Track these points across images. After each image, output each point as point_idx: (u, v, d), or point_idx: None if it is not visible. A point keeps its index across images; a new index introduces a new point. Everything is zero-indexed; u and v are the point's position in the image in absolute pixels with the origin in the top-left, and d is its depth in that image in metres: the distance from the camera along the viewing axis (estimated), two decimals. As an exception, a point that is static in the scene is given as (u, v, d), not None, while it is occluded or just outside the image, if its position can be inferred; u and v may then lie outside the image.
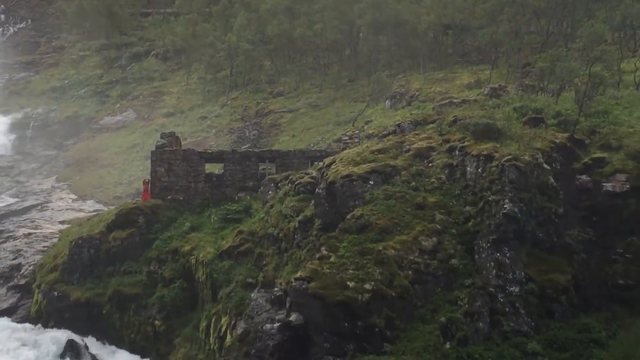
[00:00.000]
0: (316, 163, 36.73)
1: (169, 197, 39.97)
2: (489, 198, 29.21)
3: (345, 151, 35.45)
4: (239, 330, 30.12)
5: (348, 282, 27.10)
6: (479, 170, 30.35)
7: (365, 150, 33.46)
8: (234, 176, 40.14)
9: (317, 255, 28.75)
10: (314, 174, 34.49)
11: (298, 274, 28.10)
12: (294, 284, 27.69)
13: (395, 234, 29.15)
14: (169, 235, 37.78)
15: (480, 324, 26.94)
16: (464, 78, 50.28)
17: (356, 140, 39.26)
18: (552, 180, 30.06)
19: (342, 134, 46.20)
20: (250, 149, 45.92)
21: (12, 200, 52.94)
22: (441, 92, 47.33)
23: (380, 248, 28.38)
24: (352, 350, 26.23)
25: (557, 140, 31.31)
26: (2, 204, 52.09)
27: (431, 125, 35.16)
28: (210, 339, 31.98)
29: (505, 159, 29.73)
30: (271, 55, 66.95)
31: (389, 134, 37.30)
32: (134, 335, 35.42)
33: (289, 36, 63.81)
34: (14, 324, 36.54)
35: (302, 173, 35.56)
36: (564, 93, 37.40)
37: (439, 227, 29.29)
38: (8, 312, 38.27)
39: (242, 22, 67.16)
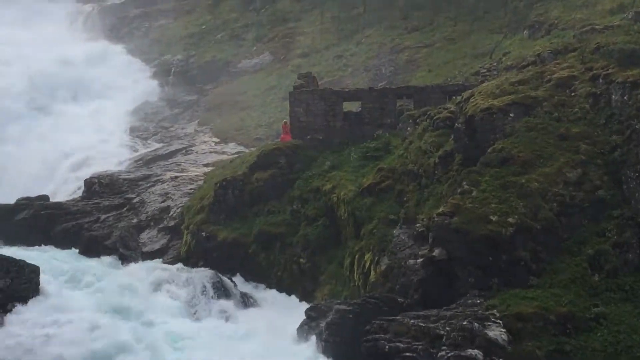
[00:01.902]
0: (454, 97, 36.27)
1: (308, 137, 40.35)
2: (637, 126, 28.26)
3: (483, 84, 34.91)
4: (383, 267, 30.41)
5: (491, 216, 26.94)
6: (625, 97, 29.36)
7: (505, 82, 32.86)
8: (372, 114, 40.14)
9: (459, 190, 28.61)
10: (453, 108, 34.14)
11: (440, 209, 28.09)
12: (436, 219, 27.70)
13: (538, 166, 28.68)
14: (310, 174, 38.26)
15: (630, 255, 26.38)
16: (605, 3, 48.30)
17: (494, 72, 38.67)
18: None
19: (480, 67, 45.52)
20: (387, 86, 45.80)
21: (158, 145, 54.62)
22: (582, 19, 45.69)
23: (523, 181, 28.01)
24: (498, 284, 26.15)
25: None
26: (149, 149, 53.85)
27: (572, 53, 34.08)
28: (355, 275, 32.38)
29: (653, 85, 28.67)
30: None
31: (528, 65, 36.49)
32: (280, 273, 36.23)
33: (422, -31, 62.79)
34: (166, 264, 37.87)
35: (440, 108, 35.24)
36: None
37: (583, 157, 28.63)
38: (160, 253, 39.66)
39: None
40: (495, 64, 44.50)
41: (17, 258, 33.28)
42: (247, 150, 48.50)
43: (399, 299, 28.02)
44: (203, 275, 35.63)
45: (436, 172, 32.02)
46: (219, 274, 35.75)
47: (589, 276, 25.92)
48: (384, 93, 40.79)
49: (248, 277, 36.92)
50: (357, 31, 63.62)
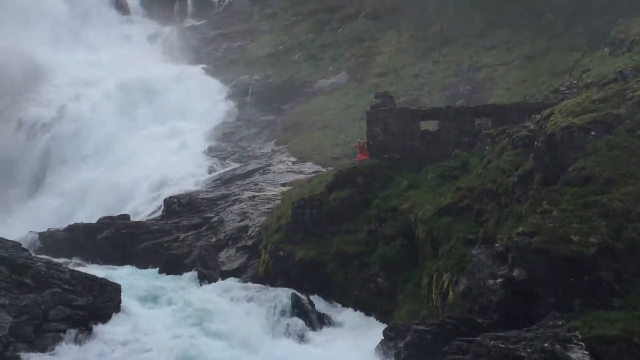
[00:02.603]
0: (533, 116, 35.87)
1: (385, 156, 40.31)
2: None
3: (563, 102, 34.45)
4: (461, 287, 30.14)
5: (572, 236, 26.50)
6: None
7: (585, 100, 32.36)
8: (450, 132, 39.92)
9: (539, 210, 28.24)
10: (532, 126, 33.75)
11: (520, 229, 27.74)
12: (516, 239, 27.38)
13: (620, 185, 28.14)
14: (387, 193, 38.18)
15: None
16: (689, 18, 47.43)
17: (574, 90, 38.12)
18: None
19: (559, 85, 44.94)
20: (465, 105, 45.53)
21: (236, 165, 55.13)
22: (665, 35, 44.92)
23: (605, 200, 27.50)
24: (579, 306, 25.67)
25: None
26: (228, 169, 54.38)
27: (655, 70, 33.53)
28: (433, 295, 32.15)
29: None
30: (480, 8, 65.65)
31: (609, 82, 35.99)
32: (357, 292, 36.15)
33: (499, -13, 62.39)
34: (244, 283, 38.15)
35: (519, 126, 34.90)
36: None
37: (667, 176, 28.03)
38: (238, 272, 39.99)
39: (450, -23, 66.32)
40: (575, 81, 43.89)
41: (99, 277, 33.96)
42: (324, 170, 48.62)
43: (478, 320, 27.73)
44: (281, 294, 35.73)
45: (515, 191, 31.65)
46: (297, 293, 35.84)
47: (675, 298, 25.33)
48: (462, 112, 40.56)
49: (325, 297, 36.96)
50: (434, 50, 63.42)
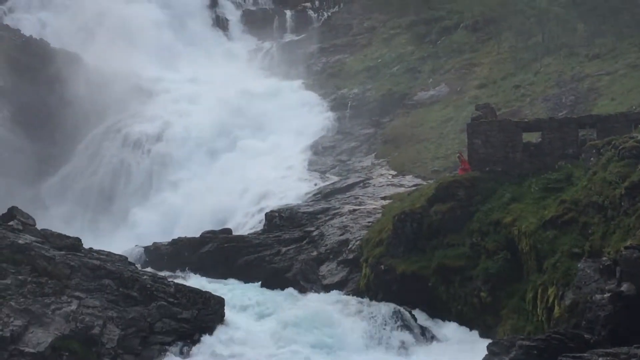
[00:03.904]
0: (640, 126, 35.09)
1: (487, 169, 39.82)
2: None
3: (672, 111, 33.59)
4: (567, 301, 29.56)
5: (683, 250, 25.75)
6: None
7: (695, 109, 31.50)
8: (553, 144, 39.22)
9: (648, 223, 27.56)
10: (639, 137, 32.97)
11: (628, 242, 27.13)
12: (624, 252, 26.77)
13: None
14: (489, 207, 37.67)
15: None
16: None
17: (683, 99, 37.05)
18: None
19: (668, 94, 43.82)
20: (568, 116, 44.72)
21: (336, 179, 55.30)
22: None
23: None
24: (692, 322, 24.93)
25: None
26: (328, 183, 54.59)
27: None
28: (538, 310, 31.61)
29: None
30: (584, 17, 64.51)
31: None
32: (460, 307, 35.80)
33: (603, -6, 61.27)
34: (346, 297, 38.21)
35: (625, 137, 34.07)
36: None
37: None
38: (339, 285, 40.07)
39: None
40: (683, 90, 42.73)
41: (203, 290, 34.50)
42: (424, 183, 48.39)
43: (585, 335, 27.10)
44: (383, 308, 35.72)
45: (623, 203, 30.90)
46: (399, 307, 35.72)
47: None
48: (565, 123, 39.81)
49: (428, 311, 36.70)
50: (535, 60, 62.53)
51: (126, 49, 73.52)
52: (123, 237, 52.68)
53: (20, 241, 32.69)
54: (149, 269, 40.38)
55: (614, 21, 62.63)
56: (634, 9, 61.58)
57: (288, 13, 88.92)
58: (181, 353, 31.62)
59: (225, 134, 65.33)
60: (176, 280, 36.28)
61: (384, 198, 48.29)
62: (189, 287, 34.56)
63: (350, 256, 41.58)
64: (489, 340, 31.23)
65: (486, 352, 29.66)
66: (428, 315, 36.62)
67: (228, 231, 47.05)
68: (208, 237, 45.65)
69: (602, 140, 36.04)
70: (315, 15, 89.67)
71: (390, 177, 53.29)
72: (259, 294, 38.64)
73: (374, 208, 46.32)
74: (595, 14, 63.93)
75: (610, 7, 62.80)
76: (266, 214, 48.44)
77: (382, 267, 38.53)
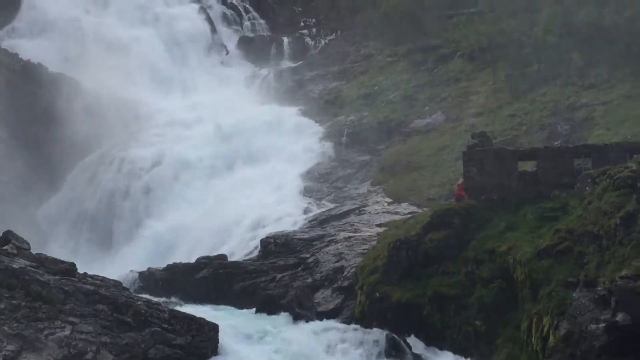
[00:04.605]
0: (635, 156, 35.14)
1: (482, 197, 39.90)
2: None
3: (667, 142, 33.71)
4: (562, 331, 29.54)
5: (679, 280, 25.76)
6: None
7: (690, 140, 31.63)
8: (548, 173, 39.30)
9: (643, 253, 27.58)
10: (634, 167, 33.06)
11: (623, 272, 27.16)
12: (619, 282, 26.83)
13: None
14: (484, 235, 37.71)
15: None
16: None
17: (679, 129, 37.22)
18: None
19: (662, 124, 44.02)
20: (564, 145, 44.86)
21: (331, 205, 55.27)
22: None
23: None
24: (688, 352, 24.91)
25: None
26: (323, 209, 54.53)
27: None
28: (533, 339, 31.57)
29: None
30: (579, 47, 64.82)
31: None
32: (455, 335, 35.72)
33: (598, 25, 61.48)
34: (340, 324, 38.10)
35: (621, 167, 34.18)
36: None
37: None
38: (334, 313, 39.93)
39: (548, 16, 65.66)
40: (679, 120, 42.92)
41: (197, 316, 34.38)
42: (420, 211, 48.33)
43: (580, 366, 27.13)
44: (377, 336, 35.67)
45: (617, 233, 30.96)
46: (393, 335, 35.63)
47: None
48: (561, 152, 39.93)
49: (422, 339, 36.58)
50: (532, 89, 62.74)
51: (124, 74, 73.74)
52: (118, 262, 52.63)
53: (14, 265, 32.63)
54: (143, 295, 40.24)
55: (609, 51, 62.95)
56: (628, 40, 61.91)
57: (285, 40, 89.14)
58: (175, 380, 31.52)
59: (221, 160, 65.35)
60: (170, 307, 36.18)
61: (379, 225, 48.23)
62: (183, 313, 34.49)
63: (345, 283, 41.47)
64: (485, 369, 31.29)
65: (481, 381, 29.71)
66: (423, 344, 36.47)
67: (223, 257, 46.99)
68: (203, 262, 45.59)
69: (598, 170, 36.16)
70: (313, 42, 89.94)
71: (386, 204, 53.26)
72: (254, 320, 38.56)
73: (369, 235, 46.26)
74: (591, 44, 64.26)
75: (605, 38, 63.12)
76: (261, 240, 48.35)
77: (377, 294, 38.44)
